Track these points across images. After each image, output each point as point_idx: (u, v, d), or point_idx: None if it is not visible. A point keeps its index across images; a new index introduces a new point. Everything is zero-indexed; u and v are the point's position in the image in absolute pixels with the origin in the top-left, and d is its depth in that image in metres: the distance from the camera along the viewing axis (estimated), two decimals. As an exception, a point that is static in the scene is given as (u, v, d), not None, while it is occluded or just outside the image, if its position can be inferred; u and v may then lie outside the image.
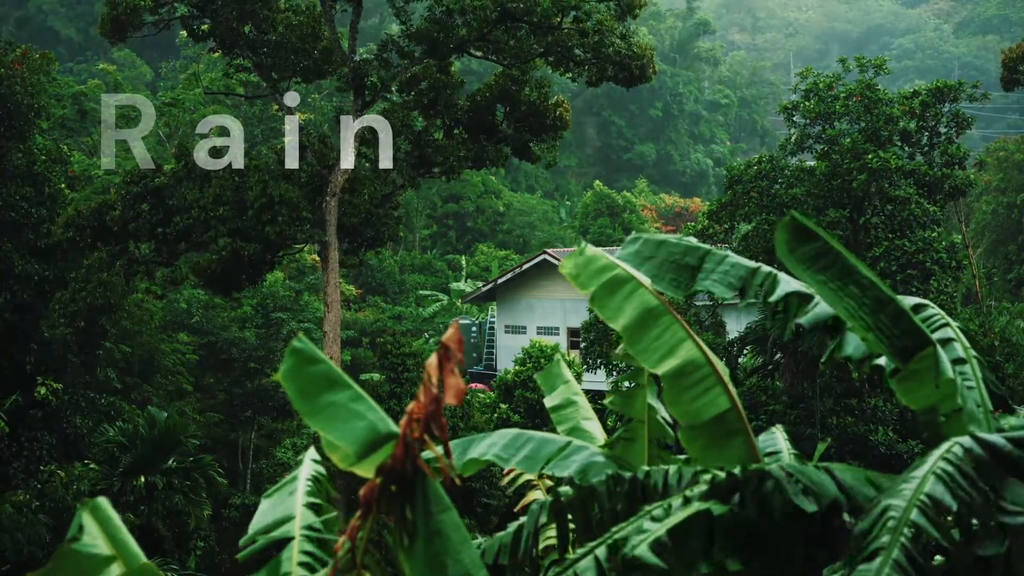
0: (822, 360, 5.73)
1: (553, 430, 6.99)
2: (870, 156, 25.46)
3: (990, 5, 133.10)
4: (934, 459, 4.27)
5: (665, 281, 5.84)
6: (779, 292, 5.61)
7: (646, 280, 5.84)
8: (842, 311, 5.18)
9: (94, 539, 4.17)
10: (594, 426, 7.09)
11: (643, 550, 4.27)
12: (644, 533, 4.40)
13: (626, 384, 6.79)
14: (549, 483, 8.63)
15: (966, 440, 4.33)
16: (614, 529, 4.49)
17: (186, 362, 35.34)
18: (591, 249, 6.11)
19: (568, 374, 7.55)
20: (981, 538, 4.61)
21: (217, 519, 29.17)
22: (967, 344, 5.73)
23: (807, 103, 27.70)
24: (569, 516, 5.33)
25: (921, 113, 27.13)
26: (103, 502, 4.35)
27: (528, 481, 8.67)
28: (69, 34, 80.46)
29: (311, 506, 4.87)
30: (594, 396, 8.66)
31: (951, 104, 27.24)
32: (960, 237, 30.57)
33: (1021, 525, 4.72)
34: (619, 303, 5.85)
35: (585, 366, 31.21)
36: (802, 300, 5.60)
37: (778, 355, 26.54)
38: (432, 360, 3.66)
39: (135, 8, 25.34)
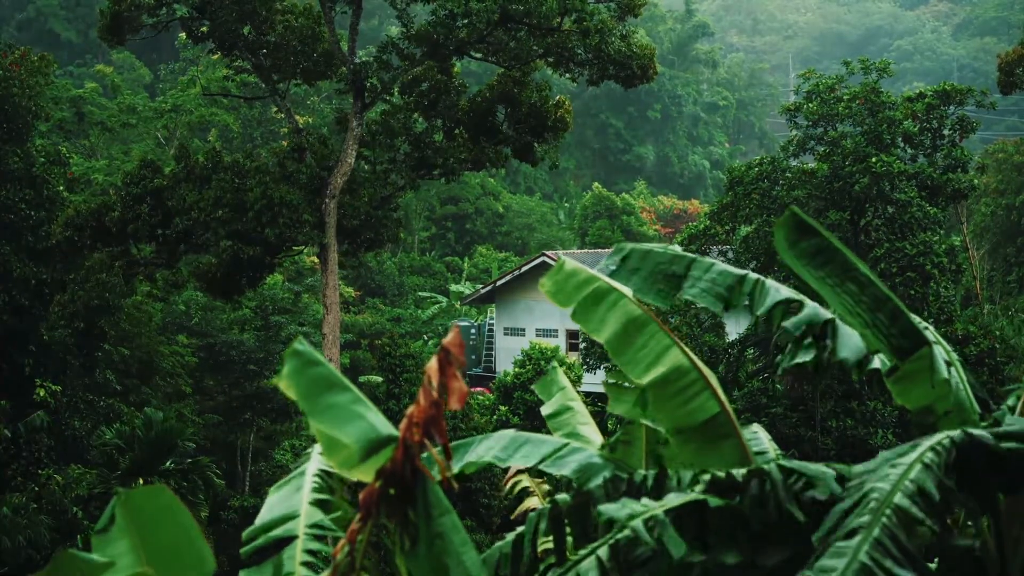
0: (782, 365, 5.68)
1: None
2: (873, 159, 25.46)
3: (988, 7, 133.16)
4: (922, 448, 4.28)
5: (653, 292, 5.82)
6: (768, 302, 5.60)
7: (627, 290, 5.81)
8: (840, 307, 5.19)
9: (122, 533, 4.15)
10: (591, 431, 7.06)
11: (637, 524, 4.28)
12: (637, 516, 4.41)
13: (625, 384, 6.75)
14: (546, 488, 8.62)
15: (956, 433, 4.35)
16: (615, 530, 4.49)
17: (185, 364, 35.31)
18: (570, 263, 6.05)
19: (565, 381, 7.53)
20: (963, 529, 4.62)
21: (216, 521, 29.13)
22: (948, 347, 5.75)
23: (809, 105, 27.70)
24: (567, 521, 5.31)
25: (925, 115, 27.11)
26: (151, 491, 4.29)
27: (526, 488, 8.67)
28: (69, 37, 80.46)
29: (317, 503, 4.84)
30: (595, 398, 8.64)
31: (956, 107, 27.22)
32: (960, 239, 30.57)
33: (1010, 528, 4.73)
34: (602, 315, 5.79)
35: (585, 367, 31.21)
36: (790, 308, 5.58)
37: (778, 357, 26.51)
38: (432, 363, 3.65)
39: (137, 7, 25.36)
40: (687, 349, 5.65)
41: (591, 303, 5.85)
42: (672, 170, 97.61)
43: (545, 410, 7.30)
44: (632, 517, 4.35)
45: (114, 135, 49.88)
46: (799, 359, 5.48)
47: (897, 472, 4.15)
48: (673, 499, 4.54)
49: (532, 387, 7.86)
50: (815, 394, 25.36)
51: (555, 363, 8.45)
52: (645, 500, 4.54)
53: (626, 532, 4.30)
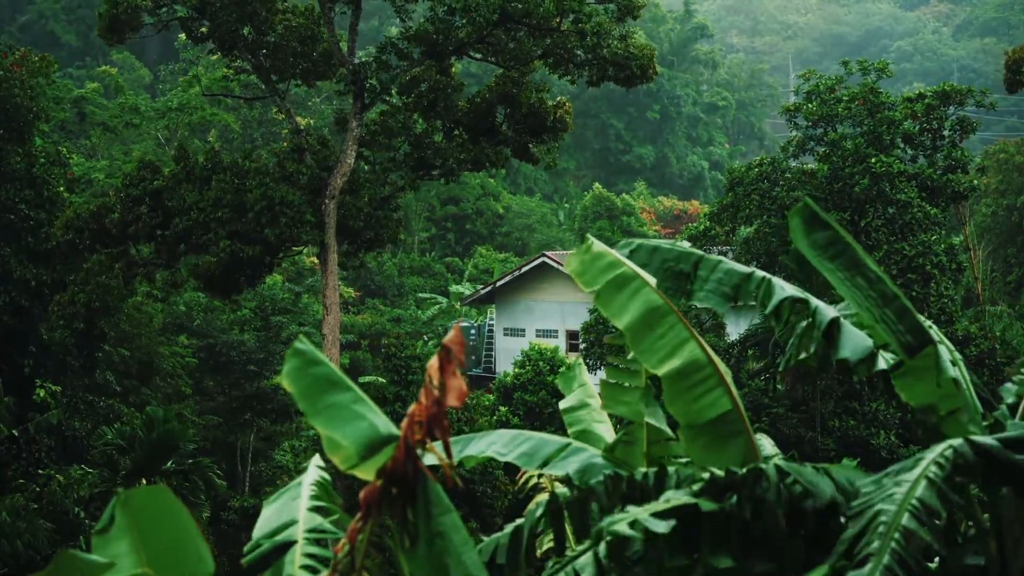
0: (787, 362, 5.68)
1: (564, 432, 6.96)
2: (873, 160, 25.46)
3: (988, 8, 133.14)
4: (926, 463, 4.26)
5: (661, 291, 5.81)
6: (775, 299, 5.59)
7: (651, 279, 5.79)
8: (851, 299, 5.22)
9: (122, 534, 4.14)
10: (605, 429, 7.04)
11: (622, 526, 4.26)
12: (627, 514, 4.40)
13: (625, 384, 6.73)
14: (559, 485, 8.60)
15: (959, 443, 4.32)
16: (606, 522, 4.48)
17: (185, 365, 35.29)
18: (597, 245, 6.01)
19: (586, 377, 7.51)
20: (970, 544, 4.59)
21: (216, 522, 29.12)
22: (951, 347, 5.75)
23: (809, 106, 27.70)
24: (567, 517, 5.30)
25: (925, 116, 27.10)
26: (151, 491, 4.28)
27: (537, 484, 8.64)
28: (69, 39, 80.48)
29: (316, 510, 4.83)
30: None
31: (956, 108, 27.23)
32: (960, 239, 30.55)
33: (1011, 530, 4.71)
34: (624, 301, 5.77)
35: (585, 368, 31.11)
36: (797, 306, 5.58)
37: (779, 357, 26.50)
38: (433, 362, 3.64)
39: (135, 8, 25.34)
40: (704, 343, 5.63)
41: (615, 288, 5.82)
42: (671, 171, 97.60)
43: (563, 404, 7.28)
44: (635, 524, 4.33)
45: (115, 135, 49.88)
46: (803, 356, 5.48)
47: (902, 490, 4.13)
48: (667, 500, 4.53)
49: (556, 381, 7.83)
50: (816, 394, 25.35)
51: (579, 360, 8.44)
52: (631, 507, 4.52)
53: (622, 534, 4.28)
